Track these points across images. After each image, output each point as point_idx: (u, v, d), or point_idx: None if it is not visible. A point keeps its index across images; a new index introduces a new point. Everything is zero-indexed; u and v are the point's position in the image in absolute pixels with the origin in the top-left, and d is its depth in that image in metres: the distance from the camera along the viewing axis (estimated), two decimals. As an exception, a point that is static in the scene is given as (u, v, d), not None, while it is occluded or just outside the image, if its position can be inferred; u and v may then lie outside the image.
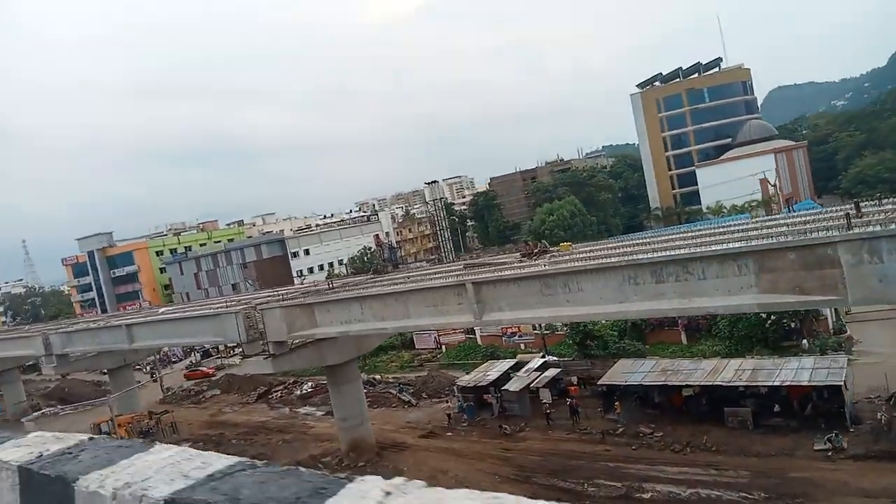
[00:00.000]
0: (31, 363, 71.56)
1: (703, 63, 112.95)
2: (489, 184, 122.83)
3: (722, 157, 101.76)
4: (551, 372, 32.86)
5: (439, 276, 25.07)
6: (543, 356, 41.03)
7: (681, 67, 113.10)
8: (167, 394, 57.68)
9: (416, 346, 53.65)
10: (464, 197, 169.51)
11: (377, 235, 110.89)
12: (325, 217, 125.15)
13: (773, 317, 35.68)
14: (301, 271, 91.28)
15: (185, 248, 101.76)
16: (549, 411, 31.39)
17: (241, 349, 54.71)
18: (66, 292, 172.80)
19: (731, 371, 28.72)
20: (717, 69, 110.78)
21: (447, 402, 37.37)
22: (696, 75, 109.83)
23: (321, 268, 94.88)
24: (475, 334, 49.00)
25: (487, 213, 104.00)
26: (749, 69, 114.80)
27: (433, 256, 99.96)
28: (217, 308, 30.70)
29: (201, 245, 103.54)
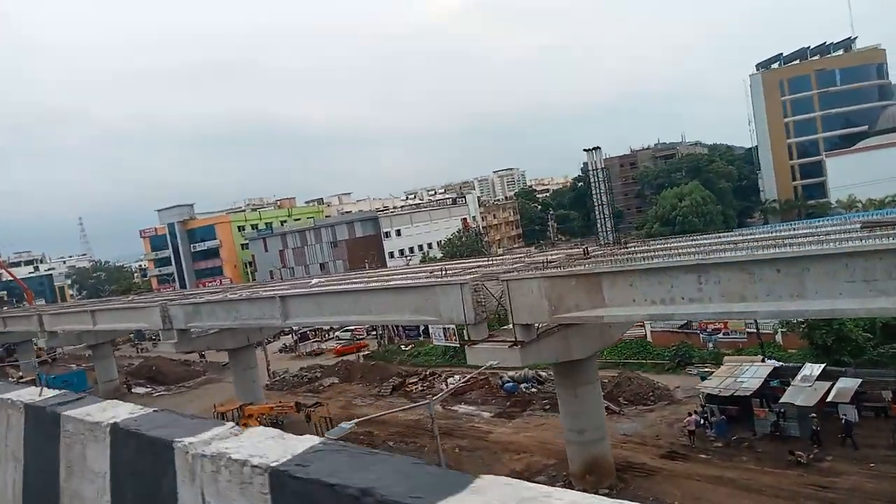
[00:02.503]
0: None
1: (833, 43, 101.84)
2: (582, 169, 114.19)
3: (856, 147, 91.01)
4: (849, 383, 24.85)
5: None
6: (763, 359, 32.97)
7: (808, 47, 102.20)
8: (274, 379, 51.64)
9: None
10: (534, 187, 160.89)
11: (464, 219, 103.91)
12: (406, 198, 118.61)
13: None
14: (392, 253, 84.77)
15: (266, 224, 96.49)
16: (848, 436, 23.45)
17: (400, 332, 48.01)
18: (132, 268, 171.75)
19: None
20: (840, 52, 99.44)
21: (686, 413, 29.62)
22: (818, 57, 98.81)
23: (412, 250, 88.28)
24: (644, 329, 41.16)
25: (589, 199, 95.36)
26: (884, 50, 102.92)
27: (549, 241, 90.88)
28: (423, 277, 23.64)
29: (282, 222, 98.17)
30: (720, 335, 36.33)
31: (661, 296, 16.75)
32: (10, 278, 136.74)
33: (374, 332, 58.01)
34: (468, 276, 21.17)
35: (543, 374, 38.25)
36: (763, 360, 32.75)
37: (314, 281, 31.91)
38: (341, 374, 49.32)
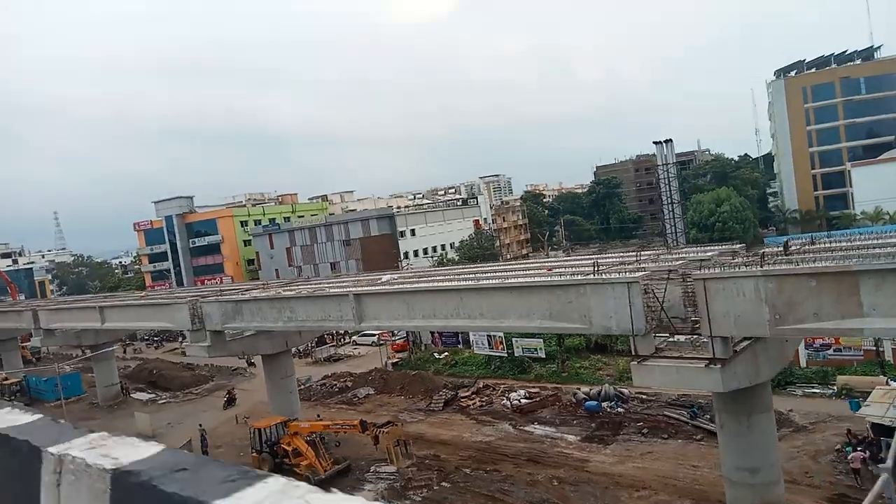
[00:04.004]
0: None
1: (857, 51, 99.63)
2: (595, 173, 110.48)
3: (883, 157, 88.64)
4: None
5: None
6: (887, 381, 29.00)
7: (832, 53, 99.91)
8: (298, 388, 46.52)
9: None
10: (542, 194, 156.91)
11: (476, 220, 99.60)
12: (414, 197, 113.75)
13: None
14: (406, 253, 79.96)
15: (270, 220, 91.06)
16: None
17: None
18: (112, 264, 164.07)
19: None
20: (856, 61, 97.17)
21: (828, 443, 25.31)
22: (835, 65, 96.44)
23: (426, 251, 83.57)
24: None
25: (609, 203, 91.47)
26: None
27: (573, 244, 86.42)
28: (544, 276, 18.88)
29: (285, 219, 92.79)
30: (830, 351, 32.30)
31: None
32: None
33: (410, 338, 53.12)
34: (637, 274, 16.69)
35: (626, 391, 33.88)
36: (886, 383, 28.77)
37: (386, 277, 27.17)
38: (376, 383, 44.46)
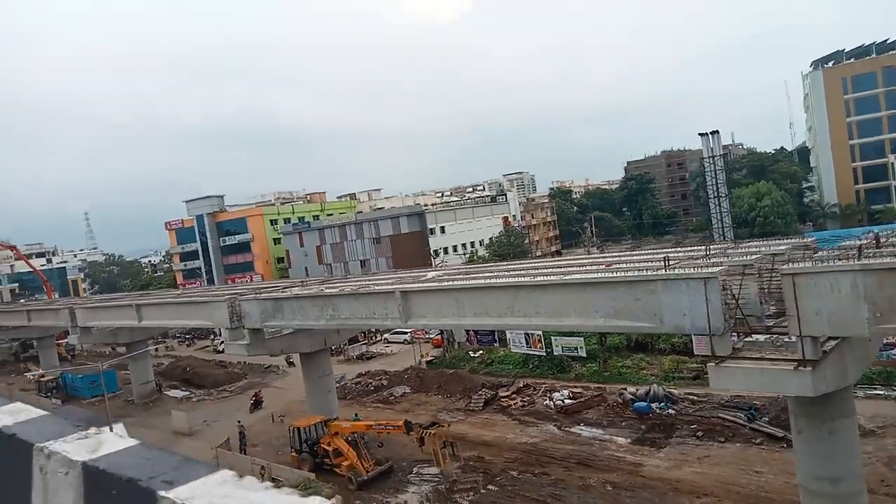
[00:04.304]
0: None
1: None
2: (626, 168, 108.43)
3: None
4: None
5: None
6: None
7: (874, 42, 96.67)
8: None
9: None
10: (570, 187, 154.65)
11: (505, 217, 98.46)
12: (442, 195, 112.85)
13: None
14: (437, 251, 79.15)
15: (299, 218, 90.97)
16: None
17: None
18: (141, 263, 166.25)
19: None
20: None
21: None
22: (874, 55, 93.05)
23: (455, 249, 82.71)
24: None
25: (641, 198, 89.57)
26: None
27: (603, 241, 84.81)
28: (603, 272, 17.74)
29: (314, 217, 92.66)
30: (894, 351, 30.64)
31: None
32: (21, 270, 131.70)
33: (445, 335, 52.27)
34: (714, 269, 15.58)
35: (675, 391, 32.64)
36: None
37: (431, 274, 26.36)
38: (412, 382, 43.74)
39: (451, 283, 22.80)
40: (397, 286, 23.86)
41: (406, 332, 59.43)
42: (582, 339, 41.12)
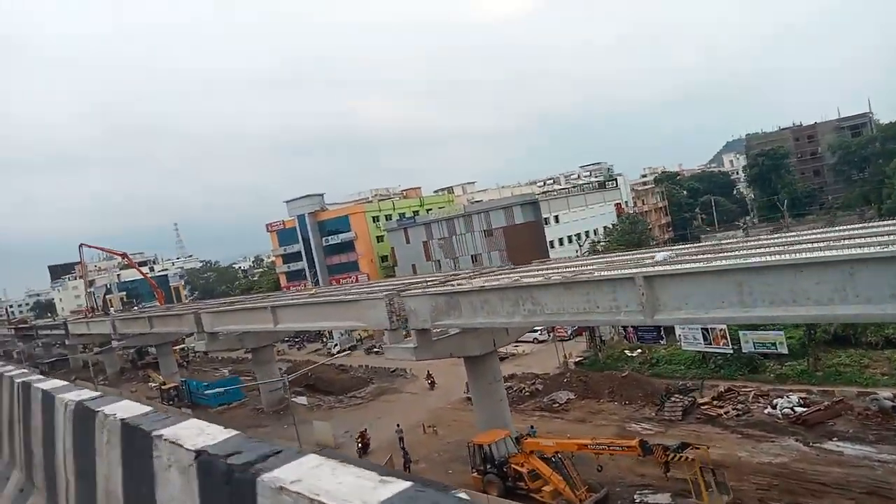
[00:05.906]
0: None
1: None
2: (746, 146, 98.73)
3: None
4: None
5: None
6: None
7: None
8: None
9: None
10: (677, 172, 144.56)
11: (618, 204, 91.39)
12: (544, 183, 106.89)
13: None
14: (552, 242, 73.31)
15: (400, 214, 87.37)
16: None
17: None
18: (238, 269, 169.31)
19: None
20: None
21: None
22: None
23: (570, 239, 76.56)
24: None
25: (775, 176, 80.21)
26: None
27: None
28: None
29: (415, 212, 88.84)
30: None
31: None
32: (128, 279, 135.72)
33: (589, 331, 46.62)
34: None
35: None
36: None
37: (660, 256, 20.97)
38: (574, 386, 38.34)
39: (724, 262, 17.17)
40: (636, 271, 18.47)
41: (536, 330, 54.20)
42: (782, 332, 34.54)
